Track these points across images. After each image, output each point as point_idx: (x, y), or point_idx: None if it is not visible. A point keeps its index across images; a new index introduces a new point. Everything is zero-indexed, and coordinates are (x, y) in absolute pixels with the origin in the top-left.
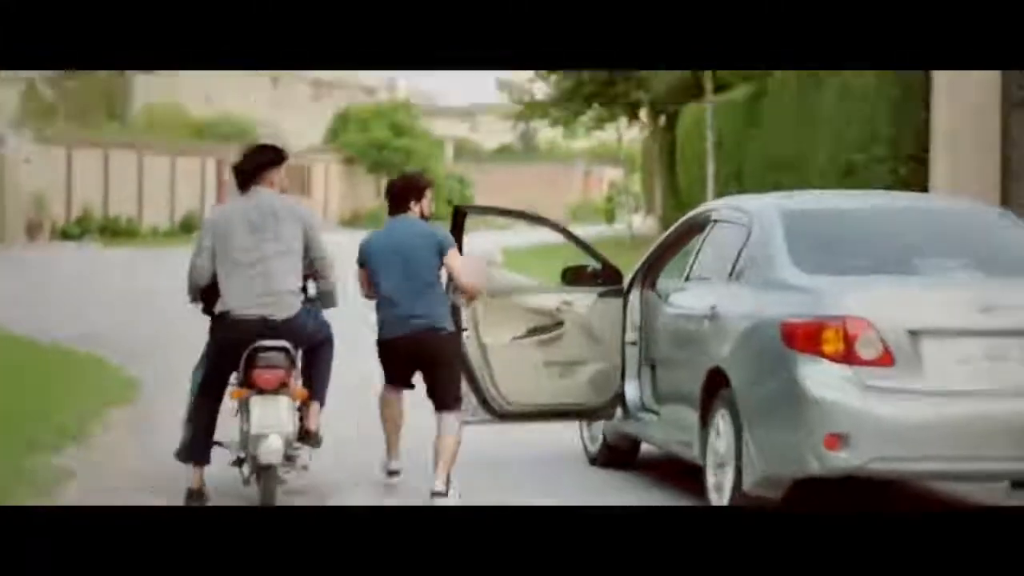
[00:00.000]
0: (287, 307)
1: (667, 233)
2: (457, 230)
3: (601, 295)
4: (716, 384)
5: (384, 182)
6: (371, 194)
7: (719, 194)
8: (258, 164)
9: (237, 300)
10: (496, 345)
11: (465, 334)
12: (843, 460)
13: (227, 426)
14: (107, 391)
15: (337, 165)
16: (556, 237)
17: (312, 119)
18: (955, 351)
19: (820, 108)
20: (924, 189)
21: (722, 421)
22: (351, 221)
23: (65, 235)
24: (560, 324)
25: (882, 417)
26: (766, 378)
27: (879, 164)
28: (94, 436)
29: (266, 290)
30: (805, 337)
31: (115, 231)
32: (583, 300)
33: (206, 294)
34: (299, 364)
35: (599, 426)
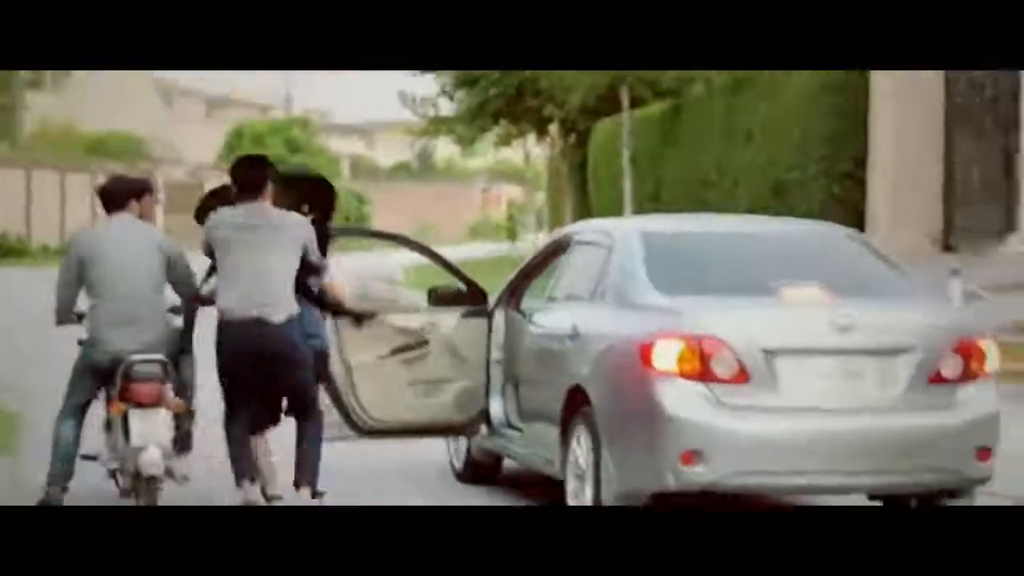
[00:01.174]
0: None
1: (533, 255)
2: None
3: (465, 315)
4: (577, 402)
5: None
6: None
7: (637, 213)
8: (125, 191)
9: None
10: (361, 364)
11: (330, 353)
12: (699, 475)
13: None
14: None
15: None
16: (470, 255)
17: (207, 136)
18: (809, 369)
19: (747, 121)
20: (859, 208)
21: (583, 437)
22: None
23: None
24: (425, 343)
25: (737, 432)
26: (624, 396)
27: (813, 181)
28: None
29: (129, 317)
30: (662, 356)
31: (4, 250)
32: (448, 320)
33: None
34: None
35: (464, 442)
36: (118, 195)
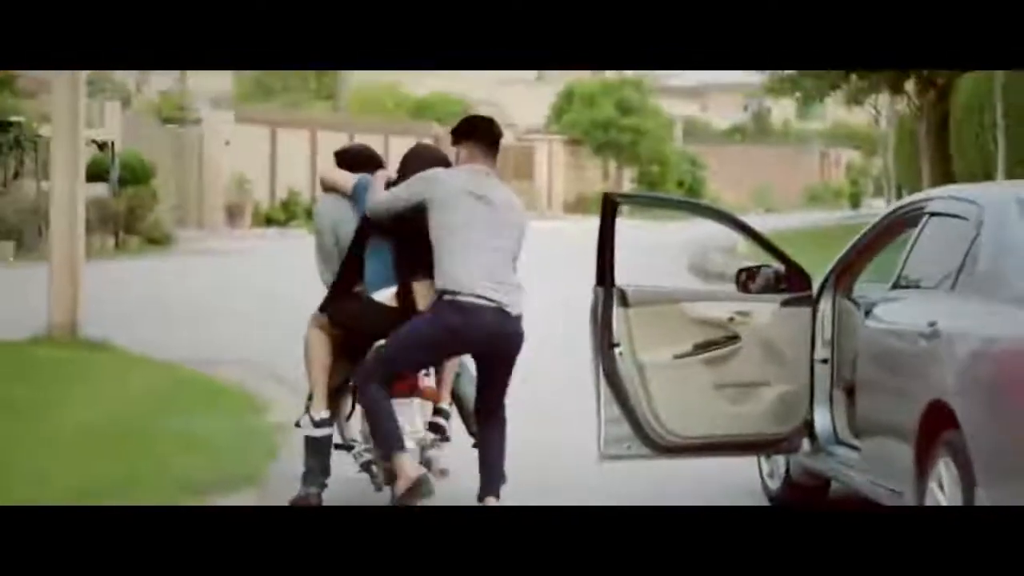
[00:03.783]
0: None
1: (866, 229)
2: (607, 220)
3: (785, 303)
4: (938, 422)
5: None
6: (597, 178)
7: (1010, 179)
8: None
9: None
10: (656, 364)
11: (617, 351)
12: None
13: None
14: None
15: (561, 146)
16: (823, 223)
17: (535, 98)
18: None
19: None
20: None
21: (945, 471)
22: (576, 206)
23: (269, 220)
24: (734, 338)
25: None
26: (1008, 420)
27: None
28: None
29: None
30: None
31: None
32: (763, 309)
33: None
34: None
35: (781, 460)
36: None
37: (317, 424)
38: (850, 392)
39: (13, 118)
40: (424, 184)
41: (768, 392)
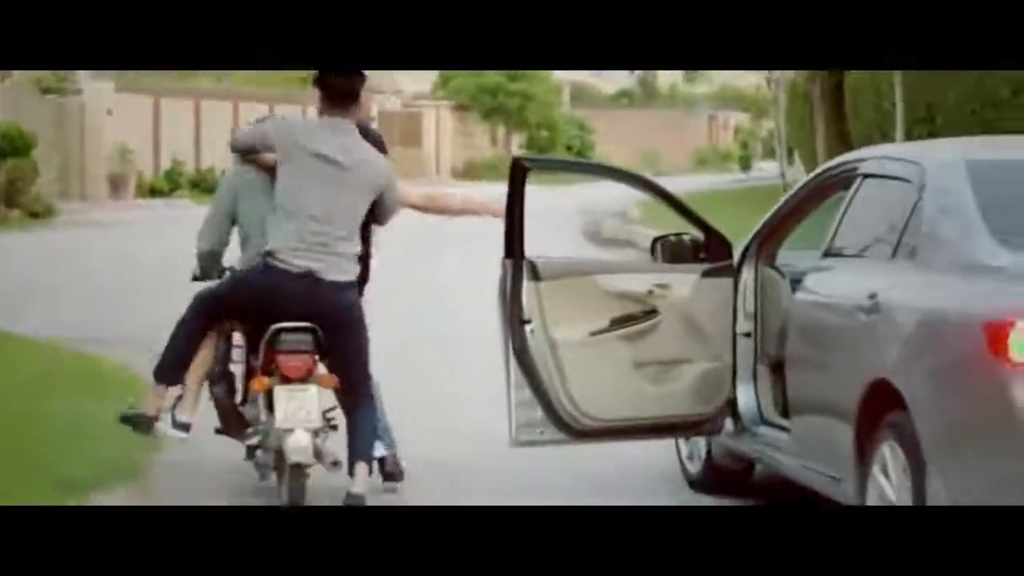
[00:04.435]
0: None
1: (791, 193)
2: (516, 187)
3: (705, 274)
4: (881, 403)
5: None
6: (486, 143)
7: (909, 139)
8: None
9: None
10: (569, 342)
11: (528, 327)
12: None
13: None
14: None
15: (449, 112)
16: (712, 186)
17: None
18: None
19: None
20: None
21: (891, 455)
22: (465, 173)
23: (153, 191)
24: (652, 313)
25: None
26: (962, 399)
27: None
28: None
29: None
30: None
31: (207, 186)
32: (682, 281)
33: None
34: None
35: (702, 442)
36: None
37: (178, 426)
38: (776, 368)
39: None
40: (277, 132)
41: (689, 369)
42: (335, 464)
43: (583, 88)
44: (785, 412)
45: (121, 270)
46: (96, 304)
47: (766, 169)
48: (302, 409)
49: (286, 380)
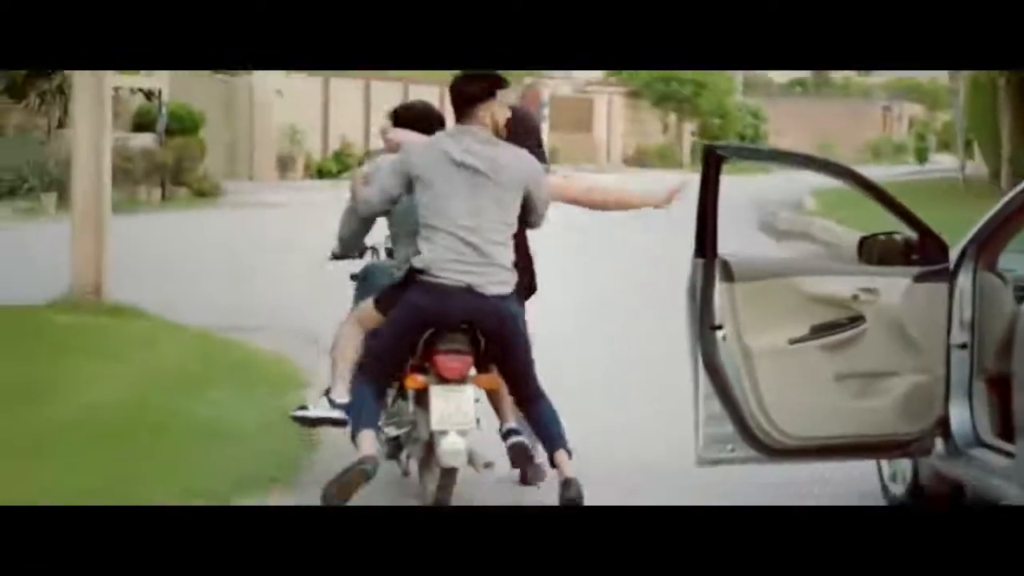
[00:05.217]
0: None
1: (1017, 190)
2: (710, 178)
3: (918, 278)
4: None
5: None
6: (657, 130)
7: None
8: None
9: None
10: (766, 350)
11: (719, 334)
12: None
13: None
14: None
15: (620, 99)
16: (886, 178)
17: None
18: None
19: None
20: None
21: None
22: (636, 160)
23: (321, 172)
24: (858, 320)
25: None
26: None
27: None
28: None
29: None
30: None
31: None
32: (891, 286)
33: None
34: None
35: (908, 462)
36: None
37: (336, 406)
38: (995, 384)
39: None
40: (402, 161)
41: (897, 384)
42: (487, 466)
43: (756, 76)
44: (1006, 434)
45: (285, 254)
46: (255, 288)
47: (942, 162)
48: (459, 411)
49: (443, 380)
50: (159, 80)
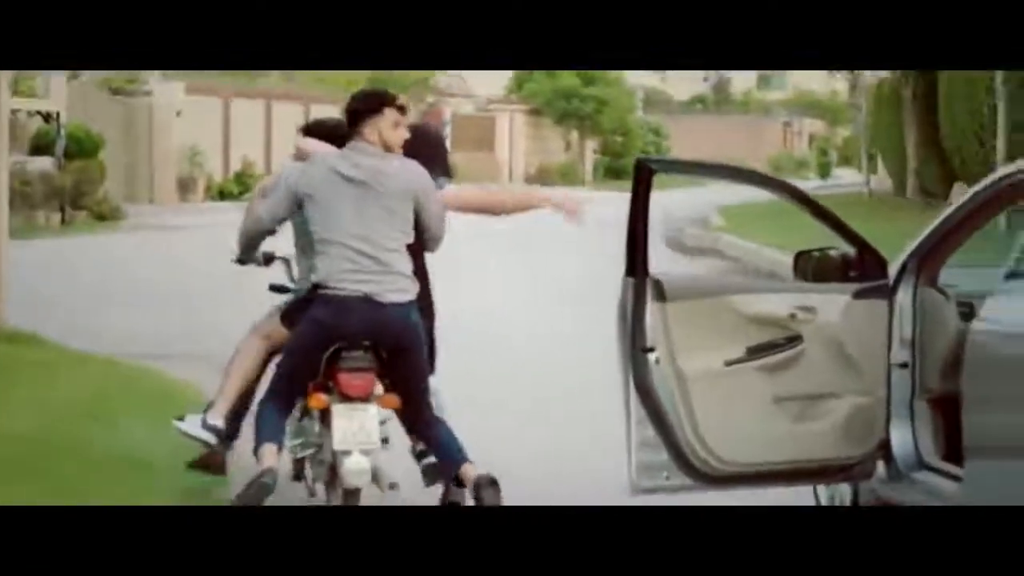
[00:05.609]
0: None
1: (959, 203)
2: (641, 193)
3: (856, 295)
4: None
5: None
6: (559, 148)
7: (1011, 150)
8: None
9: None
10: (701, 373)
11: (652, 356)
12: None
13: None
14: None
15: (522, 116)
16: (763, 196)
17: None
18: None
19: None
20: None
21: None
22: (538, 178)
23: (223, 194)
24: (796, 339)
25: None
26: None
27: None
28: None
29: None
30: None
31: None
32: (829, 303)
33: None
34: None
35: (846, 486)
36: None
37: (207, 427)
38: (939, 404)
39: None
40: (289, 182)
41: (837, 406)
42: (392, 486)
43: (656, 93)
44: (952, 456)
45: (187, 277)
46: (161, 313)
47: (843, 176)
48: (362, 430)
49: (346, 399)
50: (57, 102)
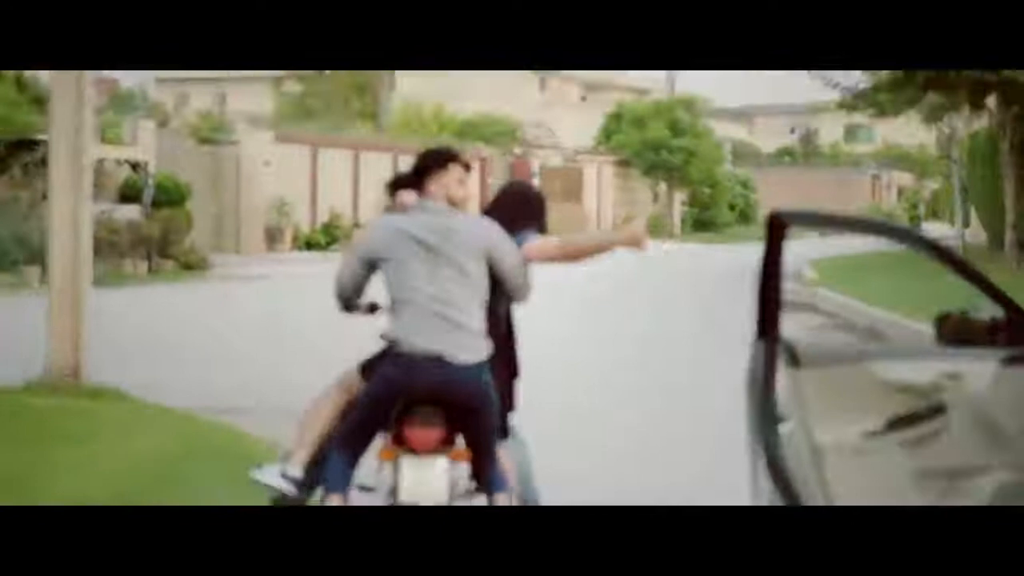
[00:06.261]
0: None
1: None
2: (774, 249)
3: (1006, 361)
4: None
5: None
6: (647, 199)
7: None
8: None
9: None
10: (838, 446)
11: (785, 428)
12: None
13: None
14: None
15: (610, 167)
16: (877, 243)
17: (583, 119)
18: None
19: None
20: None
21: None
22: None
23: (310, 244)
24: (940, 410)
25: None
26: None
27: None
28: None
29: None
30: None
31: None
32: (976, 370)
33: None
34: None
35: None
36: None
37: (286, 478)
38: None
39: (40, 136)
40: (365, 242)
41: (985, 483)
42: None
43: (744, 145)
44: None
45: (272, 329)
46: (244, 367)
47: (932, 230)
48: (426, 484)
49: (412, 452)
50: (145, 151)
